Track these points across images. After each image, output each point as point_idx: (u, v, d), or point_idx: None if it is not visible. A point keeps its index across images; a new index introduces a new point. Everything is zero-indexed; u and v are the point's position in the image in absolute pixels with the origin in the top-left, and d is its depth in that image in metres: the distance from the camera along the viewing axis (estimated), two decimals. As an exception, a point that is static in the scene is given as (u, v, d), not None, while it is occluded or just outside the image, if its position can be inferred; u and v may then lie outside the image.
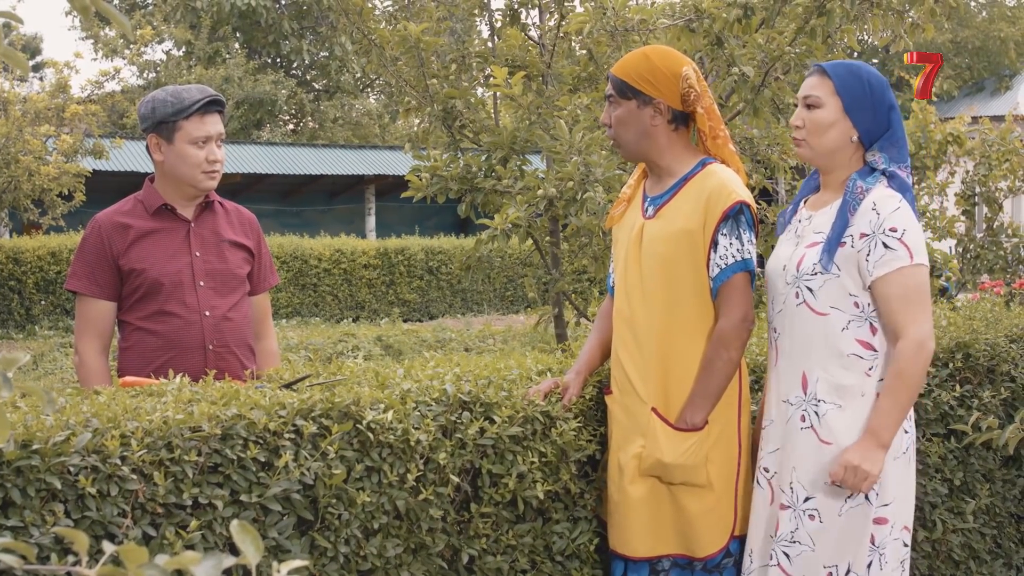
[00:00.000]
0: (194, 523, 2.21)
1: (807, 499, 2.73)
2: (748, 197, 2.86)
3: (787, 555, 2.74)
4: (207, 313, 3.25)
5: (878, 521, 2.72)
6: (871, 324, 2.72)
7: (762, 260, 3.50)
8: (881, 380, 2.71)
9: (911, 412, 2.80)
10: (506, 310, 18.10)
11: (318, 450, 2.42)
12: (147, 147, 3.33)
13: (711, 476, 2.85)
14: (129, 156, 18.50)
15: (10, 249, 14.86)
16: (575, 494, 2.94)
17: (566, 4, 5.58)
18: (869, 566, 2.72)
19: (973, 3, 28.56)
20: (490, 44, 5.90)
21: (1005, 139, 8.42)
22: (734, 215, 2.82)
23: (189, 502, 2.23)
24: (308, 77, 29.53)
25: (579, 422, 2.93)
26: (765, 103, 4.85)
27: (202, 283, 3.28)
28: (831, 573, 2.72)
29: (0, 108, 13.60)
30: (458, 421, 2.69)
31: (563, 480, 2.88)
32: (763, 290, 3.00)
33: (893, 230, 2.67)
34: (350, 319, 16.50)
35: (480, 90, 6.23)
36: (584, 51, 5.41)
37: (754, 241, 2.87)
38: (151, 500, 2.19)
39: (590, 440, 2.96)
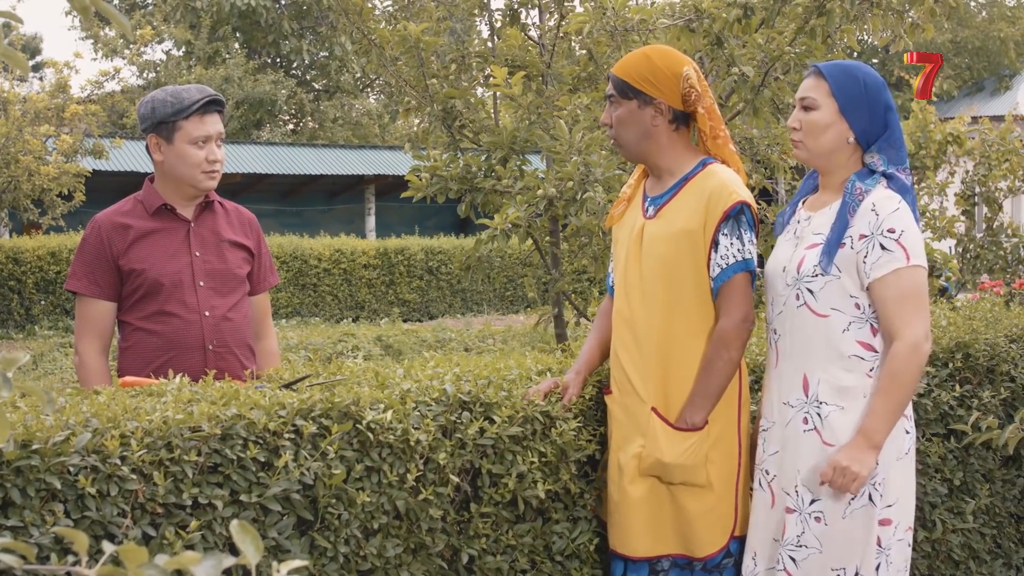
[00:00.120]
0: (194, 523, 2.21)
1: (812, 502, 2.72)
2: (749, 197, 2.86)
3: (794, 559, 2.73)
4: (207, 313, 3.25)
5: (883, 522, 2.71)
6: (872, 325, 2.71)
7: (762, 260, 3.50)
8: (881, 381, 2.70)
9: (911, 412, 2.80)
10: (506, 310, 18.10)
11: (318, 450, 2.42)
12: (147, 147, 3.33)
13: (711, 476, 2.85)
14: (129, 156, 18.50)
15: (10, 249, 14.86)
16: (575, 494, 2.94)
17: (566, 4, 5.57)
18: (877, 568, 2.70)
19: (973, 3, 28.54)
20: (490, 44, 5.89)
21: (1005, 139, 8.41)
22: (735, 215, 2.82)
23: (189, 502, 2.23)
24: (308, 77, 29.53)
25: (579, 422, 2.93)
26: (765, 103, 4.85)
27: (202, 283, 3.27)
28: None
29: (0, 108, 13.59)
30: (458, 421, 2.69)
31: (563, 480, 2.88)
32: (763, 291, 3.00)
33: (891, 231, 2.66)
34: (350, 319, 16.50)
35: (480, 90, 6.22)
36: (584, 51, 5.40)
37: (755, 241, 2.87)
38: (151, 500, 2.19)
39: (590, 440, 2.96)
